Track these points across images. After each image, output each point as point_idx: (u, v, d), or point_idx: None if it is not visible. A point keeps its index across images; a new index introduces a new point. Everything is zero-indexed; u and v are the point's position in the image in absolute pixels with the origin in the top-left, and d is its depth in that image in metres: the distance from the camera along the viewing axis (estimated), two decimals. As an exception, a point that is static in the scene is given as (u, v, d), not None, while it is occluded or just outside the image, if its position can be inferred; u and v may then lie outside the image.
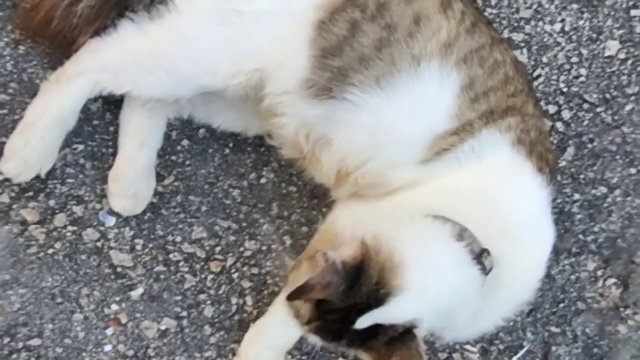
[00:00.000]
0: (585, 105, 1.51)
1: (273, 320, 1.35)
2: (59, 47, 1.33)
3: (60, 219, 1.36)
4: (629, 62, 1.52)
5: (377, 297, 1.05)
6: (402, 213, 1.14)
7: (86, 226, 1.37)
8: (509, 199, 1.18)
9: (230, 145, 1.43)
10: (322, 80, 1.18)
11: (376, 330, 1.07)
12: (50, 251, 1.36)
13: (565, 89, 1.51)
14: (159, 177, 1.40)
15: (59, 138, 1.31)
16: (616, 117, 1.51)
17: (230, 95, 1.27)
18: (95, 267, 1.37)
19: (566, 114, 1.51)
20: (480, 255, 1.12)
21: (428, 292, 1.09)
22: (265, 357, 1.35)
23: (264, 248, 1.42)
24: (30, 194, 1.36)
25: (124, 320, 1.37)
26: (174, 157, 1.42)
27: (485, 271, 1.12)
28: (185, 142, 1.42)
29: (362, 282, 1.05)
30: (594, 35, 1.51)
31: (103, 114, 1.39)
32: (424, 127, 1.17)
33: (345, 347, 1.11)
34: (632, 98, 1.52)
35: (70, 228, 1.37)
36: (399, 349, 1.07)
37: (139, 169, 1.35)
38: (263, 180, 1.43)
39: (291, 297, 1.04)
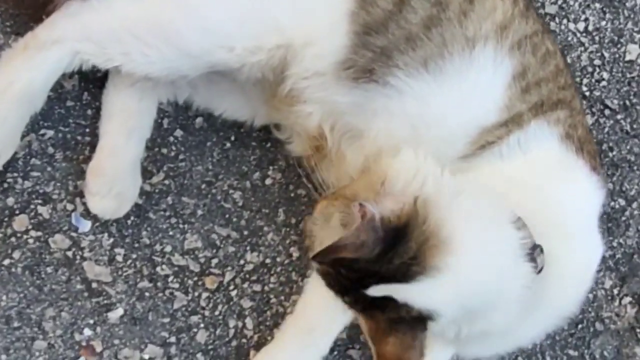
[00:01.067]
0: (607, 112, 1.50)
1: (285, 348, 1.20)
2: (29, 9, 1.20)
3: (21, 222, 1.25)
4: (648, 68, 1.53)
5: (406, 272, 0.94)
6: (464, 186, 1.03)
7: (54, 231, 1.26)
8: (562, 194, 1.11)
9: (232, 138, 1.32)
10: (364, 61, 1.09)
11: (387, 303, 0.96)
12: (6, 262, 1.24)
13: (587, 93, 1.50)
14: (147, 174, 1.28)
15: (23, 121, 1.17)
16: (635, 126, 1.51)
17: (244, 76, 1.14)
18: (64, 282, 1.26)
19: (588, 120, 1.49)
20: (533, 252, 1.02)
21: (465, 283, 0.97)
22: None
23: (268, 261, 1.33)
24: (-17, 189, 1.23)
25: (99, 349, 1.27)
26: (164, 150, 1.30)
27: (537, 269, 1.02)
28: (178, 133, 1.31)
29: (397, 250, 0.94)
30: (615, 38, 1.51)
31: (79, 93, 1.26)
32: (471, 119, 1.10)
33: (345, 304, 1.01)
34: (650, 106, 1.53)
35: (33, 233, 1.25)
36: (402, 333, 0.96)
37: (126, 163, 1.21)
38: (268, 182, 1.34)
39: (317, 259, 0.95)
